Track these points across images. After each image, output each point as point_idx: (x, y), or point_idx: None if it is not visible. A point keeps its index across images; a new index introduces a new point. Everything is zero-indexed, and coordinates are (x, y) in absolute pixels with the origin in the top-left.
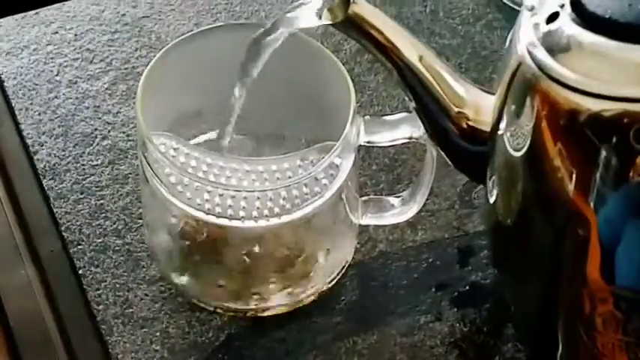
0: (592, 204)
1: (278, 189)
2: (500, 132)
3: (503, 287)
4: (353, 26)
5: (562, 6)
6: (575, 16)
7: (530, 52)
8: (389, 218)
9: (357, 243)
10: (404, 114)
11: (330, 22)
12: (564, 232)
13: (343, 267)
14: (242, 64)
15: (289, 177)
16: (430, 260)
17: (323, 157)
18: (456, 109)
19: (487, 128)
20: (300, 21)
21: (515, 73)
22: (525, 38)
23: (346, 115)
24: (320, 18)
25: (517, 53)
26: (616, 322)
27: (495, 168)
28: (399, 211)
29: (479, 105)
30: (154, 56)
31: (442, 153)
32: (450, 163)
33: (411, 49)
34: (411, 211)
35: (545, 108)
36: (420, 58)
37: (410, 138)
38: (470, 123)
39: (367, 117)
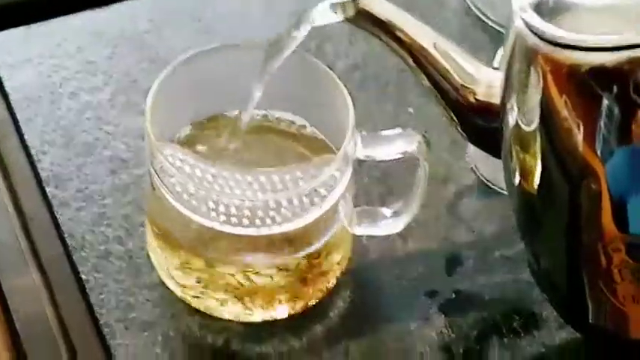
0: (599, 155)
1: (279, 199)
2: (509, 102)
3: (530, 257)
4: (366, 19)
5: None
6: None
7: (524, 21)
8: (382, 229)
9: (351, 252)
10: (399, 130)
11: (344, 18)
12: (579, 188)
13: (337, 275)
14: (262, 63)
15: (290, 188)
16: (419, 269)
17: (323, 170)
18: (468, 87)
19: (497, 101)
20: (318, 18)
21: (515, 44)
22: (519, 9)
23: (343, 129)
24: (335, 14)
25: (513, 25)
26: (630, 271)
27: (510, 138)
28: (391, 222)
29: (489, 81)
30: (153, 70)
31: (458, 130)
32: (466, 139)
33: (424, 36)
34: (403, 222)
35: (546, 70)
36: (434, 45)
37: (404, 152)
38: (479, 97)
39: (364, 132)
